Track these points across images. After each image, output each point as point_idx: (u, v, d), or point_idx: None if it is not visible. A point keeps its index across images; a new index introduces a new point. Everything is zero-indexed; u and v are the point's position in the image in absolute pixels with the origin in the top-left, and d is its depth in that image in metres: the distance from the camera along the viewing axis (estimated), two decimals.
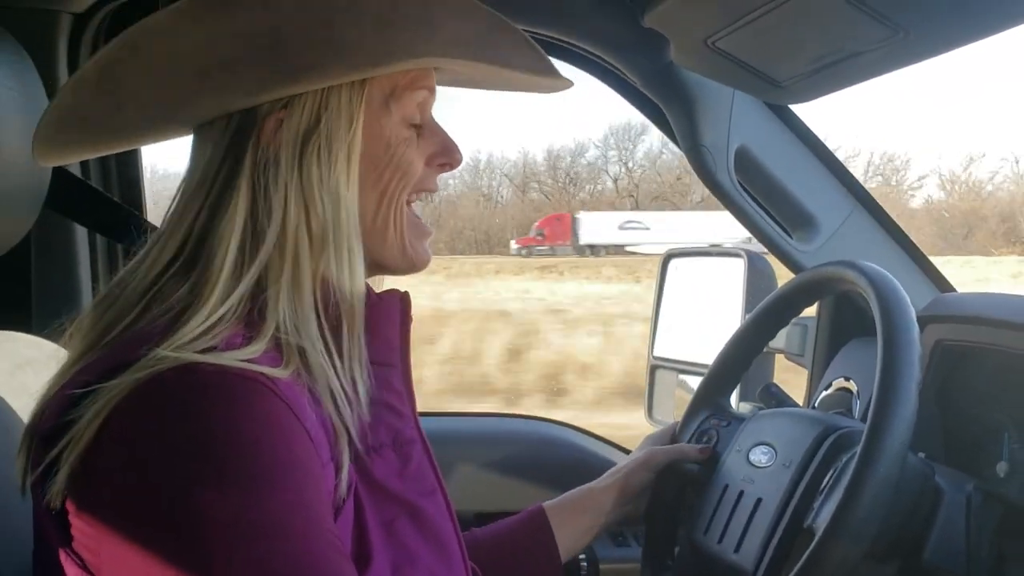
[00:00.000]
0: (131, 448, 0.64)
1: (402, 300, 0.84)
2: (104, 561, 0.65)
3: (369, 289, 0.83)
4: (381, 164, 0.80)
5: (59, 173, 1.09)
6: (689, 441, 1.21)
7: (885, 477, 0.86)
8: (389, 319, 0.83)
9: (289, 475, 0.66)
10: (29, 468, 0.70)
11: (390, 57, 0.75)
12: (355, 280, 0.77)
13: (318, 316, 0.75)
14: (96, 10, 1.41)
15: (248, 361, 0.67)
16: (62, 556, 0.68)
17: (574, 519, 1.11)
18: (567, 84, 0.88)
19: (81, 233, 1.44)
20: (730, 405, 1.24)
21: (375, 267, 0.84)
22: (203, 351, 0.67)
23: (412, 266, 0.86)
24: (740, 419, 1.18)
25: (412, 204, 0.85)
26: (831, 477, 0.97)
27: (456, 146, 0.86)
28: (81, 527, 0.65)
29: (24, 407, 1.00)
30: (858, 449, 0.88)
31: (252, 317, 0.73)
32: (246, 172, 0.75)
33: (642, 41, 1.30)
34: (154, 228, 1.26)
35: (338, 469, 0.72)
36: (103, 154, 0.91)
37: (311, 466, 0.68)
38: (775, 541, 0.97)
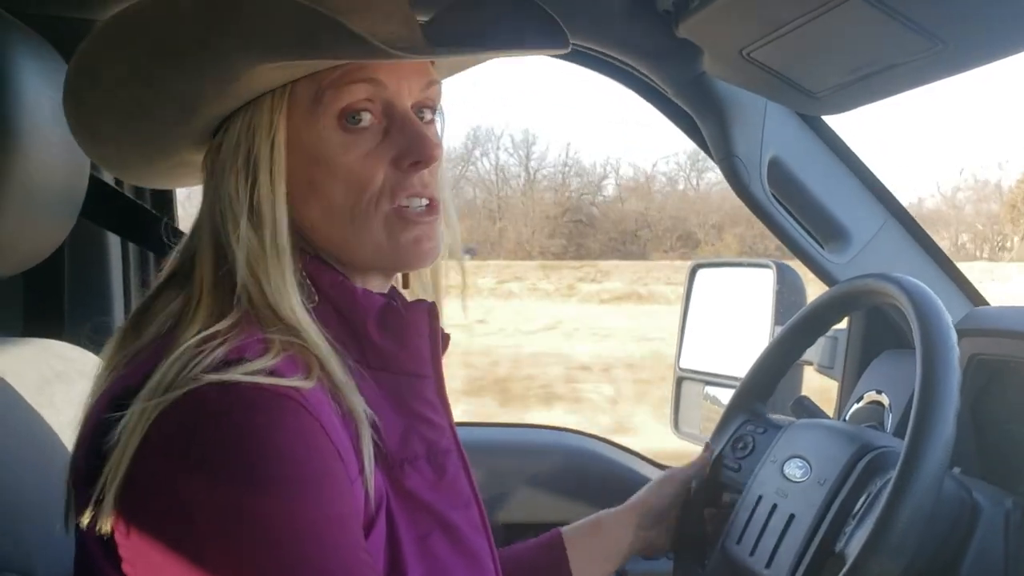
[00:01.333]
0: (171, 465, 0.65)
1: (429, 311, 0.83)
2: (142, 566, 0.66)
3: (395, 301, 0.82)
4: (316, 176, 0.76)
5: (94, 182, 1.10)
6: (725, 446, 1.21)
7: (919, 507, 0.85)
8: (417, 330, 0.82)
9: (323, 490, 0.67)
10: (73, 500, 0.71)
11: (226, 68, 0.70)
12: (282, 298, 0.74)
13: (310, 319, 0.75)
14: None
15: (278, 375, 0.68)
16: (104, 567, 0.68)
17: (591, 545, 1.10)
18: (563, 45, 0.84)
19: (114, 241, 1.45)
20: (767, 412, 1.23)
21: (367, 270, 0.82)
22: (231, 363, 0.67)
23: (406, 264, 0.82)
24: (777, 427, 1.17)
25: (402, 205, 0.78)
26: (865, 502, 0.96)
27: (424, 138, 0.77)
28: (125, 543, 0.66)
29: (56, 413, 1.01)
30: (893, 475, 0.87)
31: (264, 320, 0.73)
32: (208, 196, 0.77)
33: (675, 51, 1.30)
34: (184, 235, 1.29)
35: (361, 469, 0.71)
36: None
37: (342, 482, 0.69)
38: (806, 562, 0.96)
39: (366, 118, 0.76)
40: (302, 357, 0.71)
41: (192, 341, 0.68)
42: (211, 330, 0.70)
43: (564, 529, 1.11)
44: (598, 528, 1.12)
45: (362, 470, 0.71)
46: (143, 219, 1.28)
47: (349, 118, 0.75)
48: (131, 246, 1.50)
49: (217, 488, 0.64)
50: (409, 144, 0.77)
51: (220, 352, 0.67)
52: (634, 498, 1.15)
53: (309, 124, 0.75)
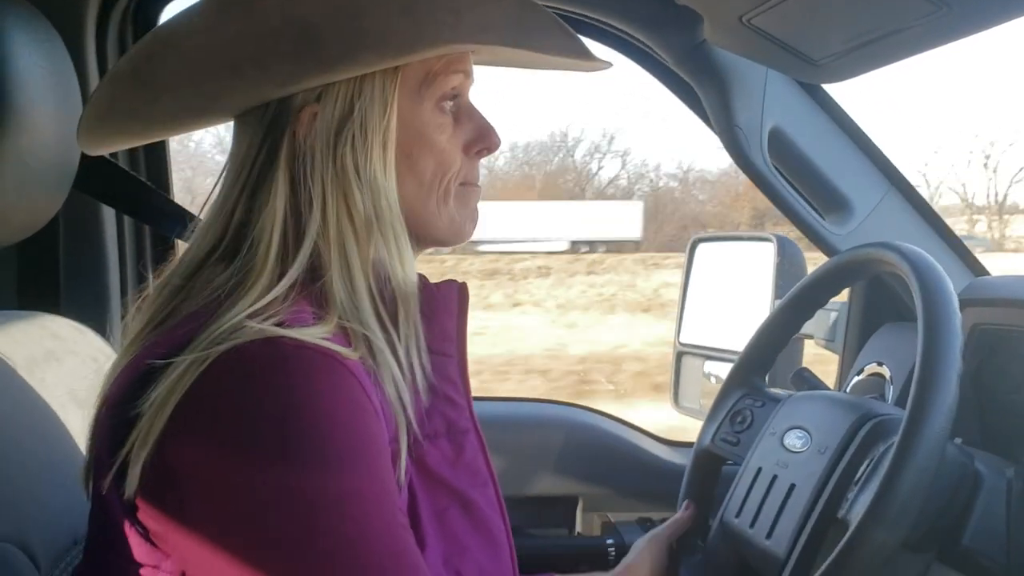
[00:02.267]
0: (216, 415, 0.65)
1: (459, 291, 0.84)
2: (173, 528, 0.66)
3: (425, 279, 0.83)
4: (415, 152, 0.80)
5: (87, 154, 1.09)
6: (724, 421, 1.20)
7: (923, 470, 0.84)
8: (446, 309, 0.83)
9: (363, 448, 0.67)
10: (106, 449, 0.69)
11: (417, 45, 0.74)
12: (406, 266, 0.77)
13: (374, 302, 0.75)
14: None
15: (322, 340, 0.68)
16: (125, 526, 0.68)
17: None
18: (605, 65, 0.86)
19: (109, 214, 1.44)
20: (765, 385, 1.22)
21: (421, 242, 0.84)
22: (278, 326, 0.67)
23: (458, 238, 0.86)
24: (775, 400, 1.16)
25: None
26: (867, 468, 0.95)
27: (492, 129, 0.85)
28: (155, 500, 0.66)
29: (49, 385, 1.01)
30: (895, 440, 0.86)
31: (317, 301, 0.74)
32: (283, 164, 0.76)
33: (675, 19, 1.29)
34: (180, 208, 1.28)
35: (395, 455, 0.72)
36: (147, 142, 0.91)
37: (381, 443, 0.70)
38: (808, 530, 0.95)
39: (451, 104, 0.82)
40: (352, 337, 0.73)
41: (246, 311, 0.68)
42: (266, 300, 0.70)
43: None
44: None
45: (395, 451, 0.72)
46: (138, 191, 1.27)
47: (443, 102, 0.81)
48: (126, 219, 1.48)
49: (256, 443, 0.64)
50: (478, 132, 0.84)
51: (272, 320, 0.68)
52: (624, 567, 1.11)
53: (415, 103, 0.79)
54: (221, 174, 0.80)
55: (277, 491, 0.63)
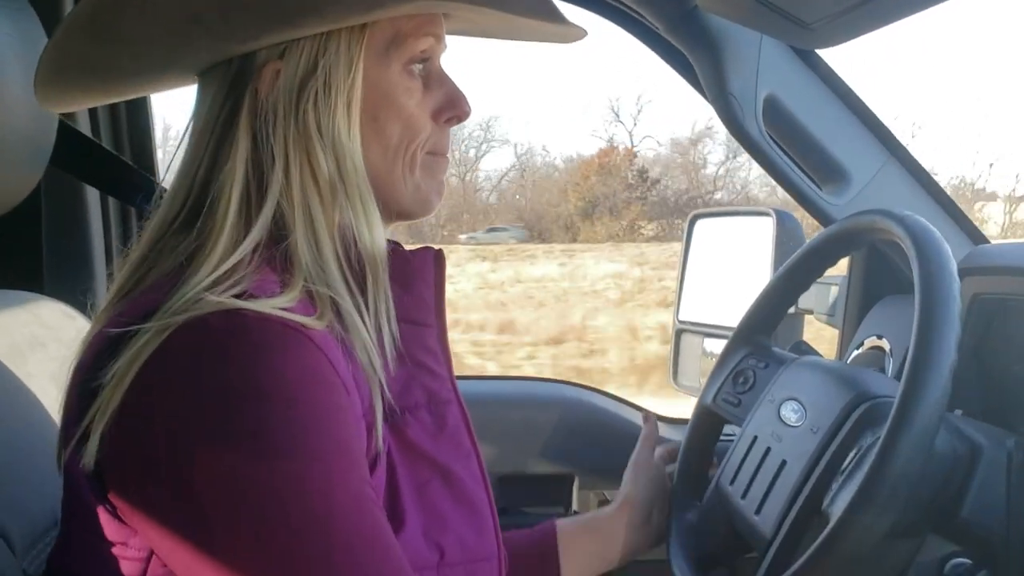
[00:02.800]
0: (172, 388, 0.63)
1: (435, 258, 0.83)
2: (136, 501, 0.64)
3: (400, 247, 0.81)
4: (382, 115, 0.77)
5: (66, 131, 1.07)
6: (727, 379, 1.19)
7: (909, 462, 0.81)
8: (423, 277, 0.81)
9: (326, 422, 0.65)
10: (72, 421, 0.68)
11: (384, 1, 0.71)
12: (373, 230, 0.75)
13: (340, 266, 0.74)
14: None
15: (286, 310, 0.66)
16: (93, 503, 0.67)
17: (582, 543, 1.08)
18: (580, 33, 0.84)
19: (92, 194, 1.43)
20: (771, 344, 1.20)
21: (386, 213, 0.81)
22: (240, 296, 0.66)
23: (423, 210, 0.83)
24: (779, 362, 1.14)
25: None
26: (853, 458, 0.93)
27: (463, 96, 0.83)
28: (116, 474, 0.65)
29: (31, 364, 0.99)
30: (883, 430, 0.84)
31: (281, 264, 0.72)
32: (244, 122, 0.74)
33: None
34: (164, 188, 1.26)
35: (370, 427, 0.71)
36: (108, 101, 0.90)
37: (348, 416, 0.68)
38: (792, 515, 0.94)
39: (420, 68, 0.80)
40: (318, 301, 0.71)
41: (207, 278, 0.67)
42: (227, 264, 0.68)
43: (559, 522, 1.09)
44: (592, 528, 1.10)
45: (370, 422, 0.71)
46: (118, 169, 1.25)
47: (411, 65, 0.78)
48: (111, 199, 1.47)
49: (215, 415, 0.62)
50: (449, 99, 0.82)
51: (235, 289, 0.66)
52: (619, 496, 1.14)
53: (383, 65, 0.77)
54: (183, 136, 0.77)
55: (237, 467, 0.62)
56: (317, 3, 0.70)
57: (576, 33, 0.84)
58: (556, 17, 0.81)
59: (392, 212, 0.82)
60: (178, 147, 0.78)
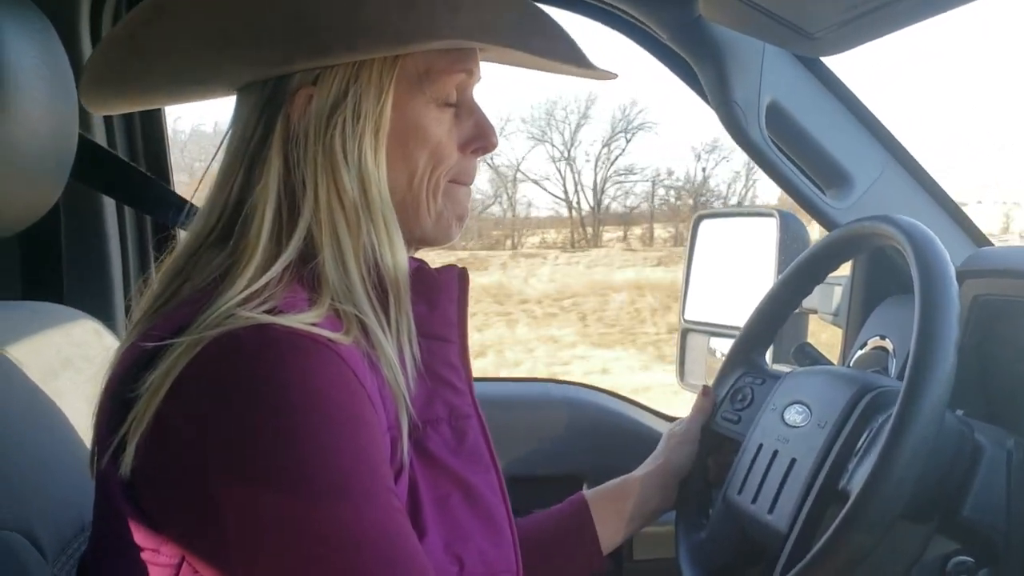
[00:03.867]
0: (202, 401, 0.65)
1: (460, 276, 0.84)
2: (169, 510, 0.66)
3: (426, 265, 0.83)
4: (410, 143, 0.79)
5: (85, 144, 1.09)
6: (724, 399, 1.21)
7: (921, 438, 0.83)
8: (447, 294, 0.83)
9: (354, 435, 0.67)
10: (105, 431, 0.70)
11: (413, 38, 0.74)
12: (396, 254, 0.77)
13: (365, 286, 0.75)
14: None
15: (314, 326, 0.68)
16: (125, 510, 0.69)
17: (617, 508, 1.11)
18: (608, 75, 0.86)
19: (109, 204, 1.45)
20: (766, 363, 1.22)
21: (409, 240, 0.83)
22: (270, 312, 0.68)
23: (444, 238, 0.85)
24: (775, 377, 1.16)
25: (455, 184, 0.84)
26: (866, 438, 0.95)
27: (492, 128, 0.85)
28: (149, 484, 0.67)
29: (54, 374, 1.01)
30: (894, 410, 0.86)
31: (309, 283, 0.74)
32: (276, 144, 0.76)
33: None
34: (179, 197, 1.29)
35: (394, 440, 0.72)
36: (151, 107, 0.92)
37: (374, 426, 0.70)
38: (809, 502, 0.96)
39: (451, 99, 0.82)
40: (344, 319, 0.73)
41: (240, 295, 0.69)
42: (260, 283, 0.70)
43: (587, 493, 1.11)
44: (624, 492, 1.13)
45: (394, 435, 0.72)
46: (137, 180, 1.27)
47: (443, 97, 0.81)
48: (127, 208, 1.49)
49: (245, 427, 0.64)
50: (477, 130, 0.84)
51: (265, 306, 0.68)
52: (655, 459, 1.16)
53: (412, 95, 0.79)
54: (217, 150, 0.80)
55: (266, 477, 0.63)
56: (348, 36, 0.73)
57: (605, 75, 0.86)
58: (583, 62, 0.83)
59: (414, 238, 0.84)
60: (210, 162, 0.81)
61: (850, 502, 0.85)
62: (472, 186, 0.87)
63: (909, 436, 0.83)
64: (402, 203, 0.80)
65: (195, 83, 0.79)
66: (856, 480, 0.89)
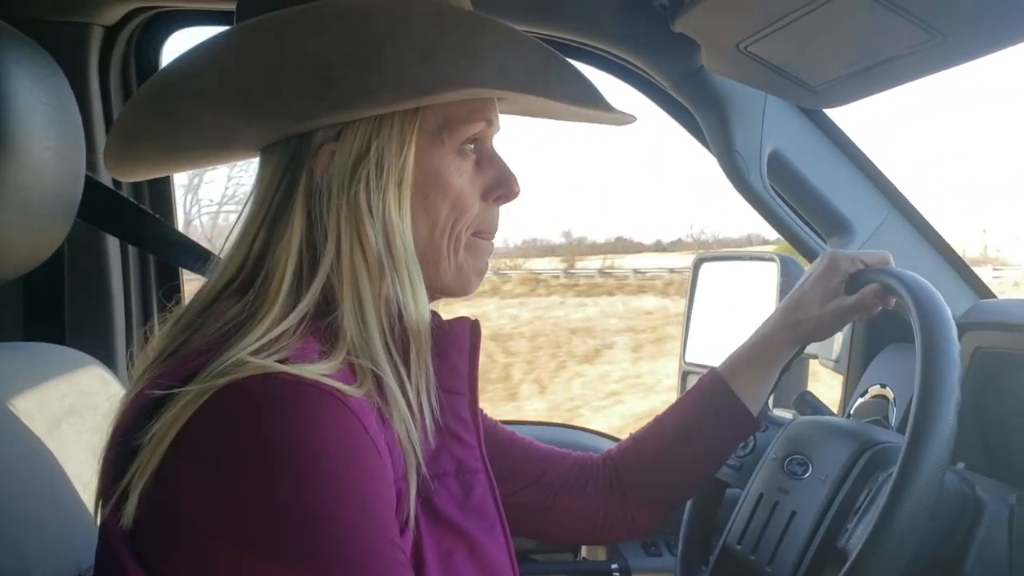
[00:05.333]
0: (205, 452, 0.64)
1: (471, 328, 0.84)
2: (171, 562, 0.65)
3: (437, 316, 0.83)
4: (432, 194, 0.79)
5: (91, 184, 1.10)
6: None
7: (921, 500, 0.83)
8: (457, 346, 0.82)
9: (358, 487, 0.66)
10: (109, 479, 0.69)
11: (434, 88, 0.74)
12: (419, 305, 0.77)
13: (385, 339, 0.75)
14: (126, 23, 1.42)
15: (324, 376, 0.67)
16: (126, 559, 0.67)
17: (751, 364, 1.09)
18: (629, 119, 0.86)
19: (113, 245, 1.45)
20: (769, 410, 1.22)
21: (428, 291, 0.82)
22: (281, 362, 0.67)
23: (463, 290, 0.85)
24: (778, 424, 1.16)
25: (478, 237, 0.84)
26: (866, 497, 0.95)
27: (513, 177, 0.84)
28: (150, 534, 0.66)
29: (54, 416, 1.01)
30: (894, 470, 0.86)
31: (324, 335, 0.73)
32: (300, 199, 0.76)
33: (672, 45, 1.29)
34: (185, 237, 1.29)
35: (401, 494, 0.71)
36: (176, 172, 0.92)
37: (380, 480, 0.68)
38: (808, 558, 0.96)
39: (471, 148, 0.82)
40: (359, 372, 0.72)
41: (252, 345, 0.68)
42: (274, 333, 0.70)
43: (722, 363, 1.11)
44: (755, 346, 1.10)
45: (401, 488, 0.71)
46: (142, 221, 1.27)
47: (464, 146, 0.81)
48: (131, 248, 1.49)
49: (245, 486, 0.63)
50: (498, 179, 0.83)
51: (276, 356, 0.67)
52: (790, 303, 1.10)
53: (434, 146, 0.78)
54: (243, 207, 0.79)
55: (266, 529, 0.63)
56: (369, 89, 0.73)
57: (624, 119, 0.86)
58: (605, 106, 0.82)
59: (434, 290, 0.83)
60: (239, 216, 0.80)
61: (848, 564, 0.85)
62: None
63: (908, 499, 0.83)
64: (424, 255, 0.80)
65: (220, 145, 0.79)
66: (855, 540, 0.89)
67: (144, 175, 0.88)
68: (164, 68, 0.80)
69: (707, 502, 1.22)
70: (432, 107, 0.78)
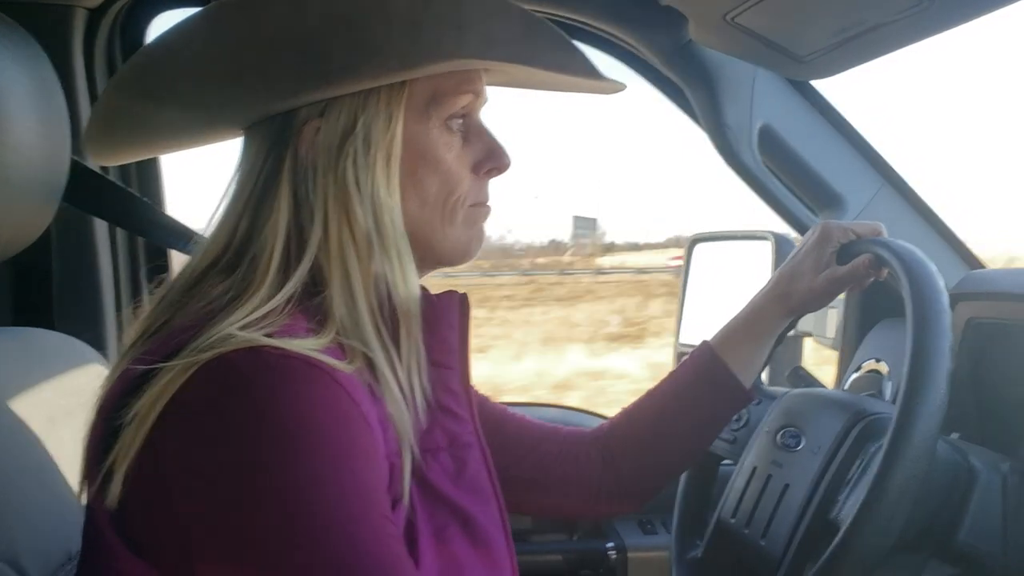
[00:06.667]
0: (193, 426, 0.63)
1: (460, 301, 0.83)
2: (159, 539, 0.65)
3: (426, 290, 0.82)
4: (421, 170, 0.78)
5: (77, 168, 1.09)
6: None
7: (912, 471, 0.83)
8: (447, 320, 0.81)
9: (347, 459, 0.65)
10: (94, 458, 0.69)
11: (420, 60, 0.73)
12: (409, 283, 0.76)
13: (374, 319, 0.74)
14: (110, 4, 1.41)
15: (312, 351, 0.67)
16: (113, 538, 0.67)
17: (743, 336, 1.08)
18: (618, 86, 0.85)
19: (101, 228, 1.44)
20: (761, 383, 1.22)
21: (425, 262, 0.82)
22: (266, 336, 0.66)
23: (462, 258, 0.84)
24: (771, 397, 1.16)
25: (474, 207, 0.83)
26: (858, 468, 0.95)
27: (503, 149, 0.83)
28: (136, 512, 0.65)
29: (43, 401, 1.01)
30: (885, 440, 0.86)
31: (313, 315, 0.72)
32: (286, 177, 0.75)
33: (660, 19, 1.28)
34: (172, 220, 1.29)
35: (394, 469, 0.70)
36: (159, 155, 0.91)
37: (370, 453, 0.68)
38: (802, 530, 0.96)
39: (459, 123, 0.81)
40: (348, 352, 0.71)
41: (239, 321, 0.67)
42: (261, 311, 0.69)
43: (714, 336, 1.10)
44: (746, 318, 1.10)
45: (394, 463, 0.71)
46: (130, 204, 1.26)
47: (451, 120, 0.79)
48: (119, 232, 1.49)
49: (231, 459, 0.62)
50: (488, 152, 0.82)
51: (264, 331, 0.67)
52: (782, 274, 1.10)
53: (420, 121, 0.77)
54: (227, 187, 0.78)
55: (255, 500, 0.62)
56: (354, 63, 0.72)
57: (614, 87, 0.85)
58: (594, 74, 0.81)
59: (431, 261, 0.83)
60: (222, 198, 0.79)
61: (840, 534, 0.85)
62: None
63: (900, 468, 0.83)
64: (415, 229, 0.79)
65: (203, 124, 0.78)
66: (847, 511, 0.89)
67: (128, 158, 0.86)
68: (146, 46, 0.79)
69: (701, 477, 1.21)
70: (419, 80, 0.77)
